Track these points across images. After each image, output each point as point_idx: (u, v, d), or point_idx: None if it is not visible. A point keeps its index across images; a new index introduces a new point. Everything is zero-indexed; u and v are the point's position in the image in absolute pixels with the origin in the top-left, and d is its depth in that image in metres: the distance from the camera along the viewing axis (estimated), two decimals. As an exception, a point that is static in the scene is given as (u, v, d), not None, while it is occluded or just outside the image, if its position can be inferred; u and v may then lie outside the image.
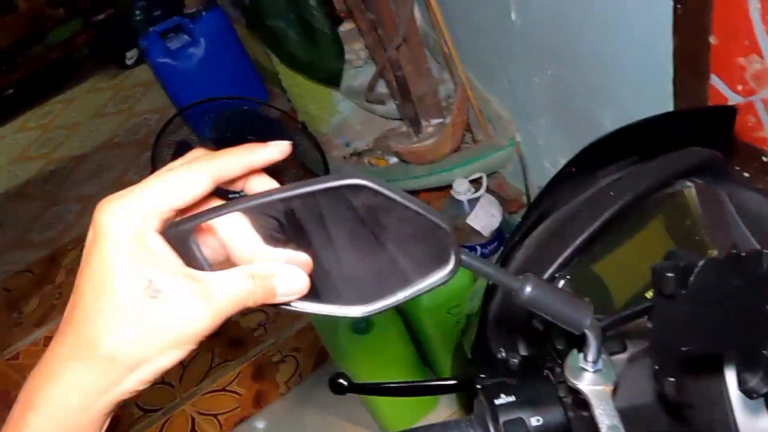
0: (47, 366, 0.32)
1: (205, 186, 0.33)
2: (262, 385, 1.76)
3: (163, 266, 0.32)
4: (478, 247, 1.66)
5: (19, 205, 2.97)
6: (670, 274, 0.33)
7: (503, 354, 0.54)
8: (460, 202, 1.60)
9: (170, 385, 1.82)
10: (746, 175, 0.92)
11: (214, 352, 1.86)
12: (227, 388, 1.77)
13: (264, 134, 1.78)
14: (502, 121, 1.57)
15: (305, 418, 1.68)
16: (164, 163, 1.66)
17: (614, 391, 0.39)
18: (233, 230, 0.35)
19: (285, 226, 0.35)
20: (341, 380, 0.52)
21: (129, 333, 0.31)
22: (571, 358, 0.40)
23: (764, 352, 0.36)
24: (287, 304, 0.35)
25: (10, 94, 3.73)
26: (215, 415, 1.73)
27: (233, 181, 0.35)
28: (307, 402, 1.69)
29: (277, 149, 0.36)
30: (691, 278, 0.34)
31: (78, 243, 2.54)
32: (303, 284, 0.35)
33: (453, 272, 0.35)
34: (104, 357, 0.31)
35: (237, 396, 1.76)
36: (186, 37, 2.37)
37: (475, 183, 1.63)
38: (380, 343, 1.39)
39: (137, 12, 2.69)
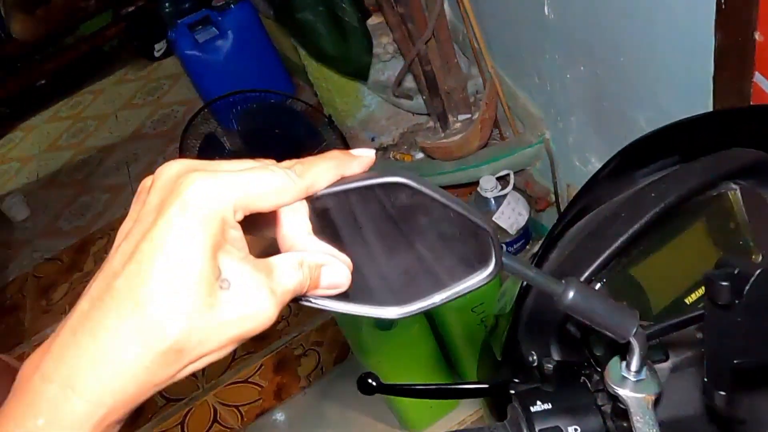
0: (94, 340, 0.28)
1: (295, 197, 0.31)
2: (284, 377, 1.77)
3: (235, 255, 0.30)
4: (504, 245, 1.64)
5: (49, 194, 3.02)
6: (724, 283, 0.31)
7: (535, 358, 0.53)
8: (486, 199, 1.58)
9: (194, 375, 1.84)
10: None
11: (237, 344, 1.87)
12: (249, 379, 1.79)
13: (290, 128, 1.79)
14: (531, 118, 1.55)
15: (326, 412, 1.68)
16: (192, 155, 1.67)
17: (656, 402, 0.37)
18: (294, 217, 0.33)
19: (324, 223, 0.34)
20: (370, 380, 0.51)
21: (197, 325, 0.28)
22: (613, 365, 0.38)
23: (822, 366, 0.34)
24: (319, 302, 0.34)
25: (43, 84, 3.80)
26: (237, 407, 1.74)
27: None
28: (328, 396, 1.69)
29: (368, 158, 0.34)
30: (747, 287, 0.32)
31: (106, 232, 2.58)
32: (346, 278, 0.33)
33: (494, 275, 0.33)
34: (171, 347, 0.28)
35: (259, 388, 1.77)
36: (214, 29, 2.38)
37: (503, 180, 1.61)
38: (403, 340, 1.38)
39: (166, 4, 2.72)
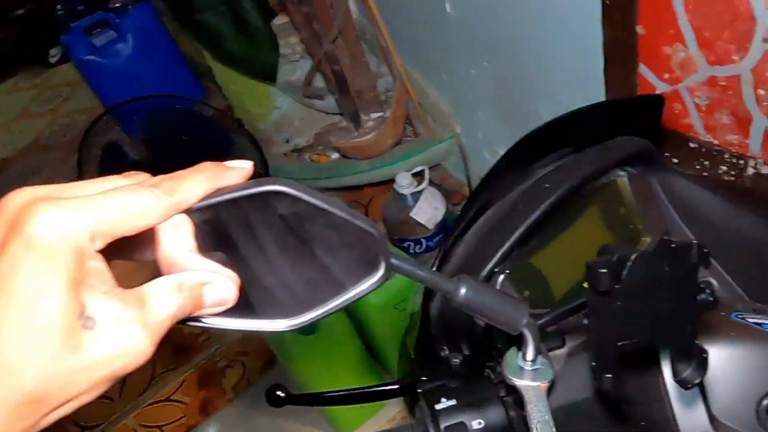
0: None
1: (164, 216, 0.29)
2: (209, 392, 1.71)
3: (99, 290, 0.27)
4: (423, 240, 1.66)
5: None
6: (602, 270, 0.32)
7: (446, 354, 0.53)
8: (403, 195, 1.60)
9: (110, 398, 1.74)
10: (675, 161, 0.95)
11: (155, 362, 1.79)
12: (171, 397, 1.71)
13: (199, 134, 1.72)
14: (442, 114, 1.57)
15: (255, 422, 1.64)
16: (92, 166, 1.56)
17: (551, 388, 0.38)
18: (174, 234, 0.31)
19: (209, 238, 0.33)
20: (279, 392, 0.50)
21: (59, 370, 0.26)
22: (510, 356, 0.39)
23: (696, 342, 0.36)
24: (207, 322, 0.32)
25: None
26: (160, 427, 1.66)
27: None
28: (256, 406, 1.65)
29: (244, 169, 0.32)
30: (624, 273, 0.33)
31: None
32: (232, 293, 0.32)
33: (383, 278, 0.33)
34: (27, 398, 0.26)
35: (182, 405, 1.69)
36: (112, 32, 2.25)
37: (418, 176, 1.62)
38: (328, 343, 1.36)
39: (59, 7, 2.54)
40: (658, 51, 0.85)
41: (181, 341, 1.82)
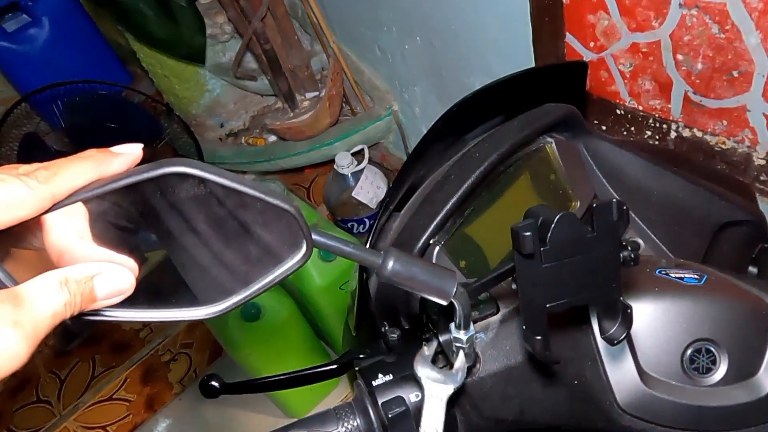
0: None
1: (39, 208, 0.27)
2: (154, 387, 1.66)
3: None
4: (367, 220, 1.65)
5: None
6: (527, 233, 0.32)
7: (386, 329, 0.53)
8: (344, 175, 1.58)
9: (47, 402, 1.66)
10: (604, 128, 0.97)
11: (95, 360, 1.72)
12: (114, 396, 1.65)
13: (126, 121, 1.64)
14: (378, 91, 1.56)
15: (205, 414, 1.61)
16: (11, 161, 1.47)
17: (453, 400, 0.39)
18: (64, 222, 0.29)
19: (114, 225, 0.30)
20: (213, 382, 0.48)
21: None
22: (422, 360, 0.40)
23: (620, 298, 0.37)
24: (109, 315, 0.30)
25: None
26: (104, 427, 1.61)
27: None
28: (204, 398, 1.62)
29: (132, 155, 0.29)
30: (549, 235, 0.33)
31: None
32: (129, 282, 0.29)
33: (307, 256, 0.32)
34: None
35: (127, 403, 1.64)
36: (25, 16, 2.11)
37: (358, 155, 1.61)
38: (273, 328, 1.34)
39: (-37, -10, 2.36)
40: (583, 20, 0.87)
41: (121, 338, 1.76)
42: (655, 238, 0.62)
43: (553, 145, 0.63)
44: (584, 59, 0.91)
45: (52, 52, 2.14)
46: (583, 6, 0.85)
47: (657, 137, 0.90)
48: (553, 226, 0.33)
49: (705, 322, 0.41)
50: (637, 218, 0.63)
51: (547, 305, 0.35)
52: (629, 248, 0.35)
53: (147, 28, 1.49)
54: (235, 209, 0.30)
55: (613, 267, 0.35)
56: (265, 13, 1.41)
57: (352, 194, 1.58)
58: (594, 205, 0.34)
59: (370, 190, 1.62)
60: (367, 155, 1.59)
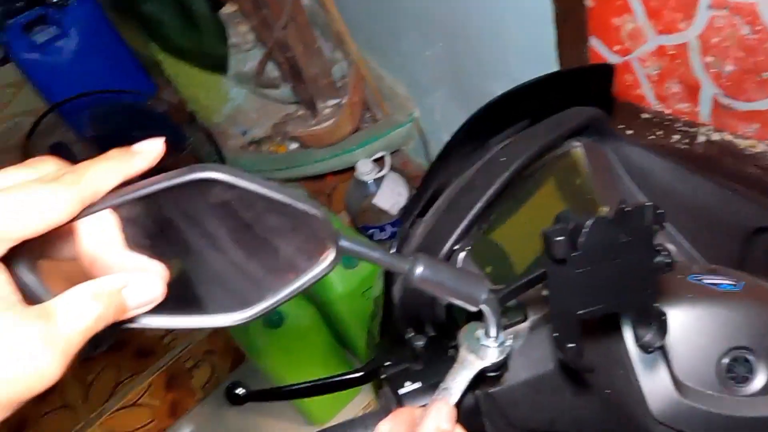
0: None
1: (69, 212, 0.26)
2: (177, 393, 1.67)
3: None
4: (388, 226, 1.65)
5: None
6: (558, 238, 0.32)
7: (410, 336, 0.52)
8: (365, 182, 1.58)
9: (71, 407, 1.69)
10: (629, 132, 0.96)
11: (120, 367, 1.74)
12: (138, 402, 1.67)
13: (151, 129, 1.66)
14: (399, 98, 1.56)
15: (228, 420, 1.62)
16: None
17: (482, 376, 0.38)
18: (96, 229, 0.28)
19: (144, 230, 0.30)
20: (238, 390, 0.48)
21: None
22: (467, 332, 0.38)
23: (655, 305, 0.36)
24: (143, 323, 0.30)
25: None
26: (128, 433, 1.63)
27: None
28: (227, 404, 1.62)
29: (153, 151, 0.29)
30: (580, 239, 0.33)
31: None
32: (159, 289, 0.29)
33: (335, 262, 0.32)
34: None
35: (151, 409, 1.66)
36: (54, 28, 2.15)
37: (379, 162, 1.61)
38: (295, 335, 1.35)
39: (-6, 4, 2.42)
40: (608, 23, 0.86)
41: (145, 344, 1.78)
42: (686, 243, 0.61)
43: (581, 149, 0.62)
44: (609, 63, 0.90)
45: (80, 63, 2.18)
46: (608, 9, 0.84)
47: (685, 141, 0.89)
48: (585, 230, 0.32)
49: (742, 329, 0.40)
50: (667, 223, 0.62)
51: (579, 312, 0.34)
52: (664, 253, 0.34)
53: (170, 38, 1.52)
54: (263, 214, 0.30)
55: (648, 273, 0.34)
56: (287, 22, 1.42)
57: (373, 201, 1.58)
58: (628, 208, 0.33)
59: (391, 196, 1.62)
60: (388, 162, 1.59)
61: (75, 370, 1.77)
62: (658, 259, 0.34)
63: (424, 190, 0.58)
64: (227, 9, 1.61)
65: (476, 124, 0.59)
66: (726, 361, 0.40)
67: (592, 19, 0.88)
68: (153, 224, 0.30)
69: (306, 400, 1.44)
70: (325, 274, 0.32)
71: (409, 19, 1.32)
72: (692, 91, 0.83)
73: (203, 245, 0.31)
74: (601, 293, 0.34)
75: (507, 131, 0.67)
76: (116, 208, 0.28)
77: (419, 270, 0.34)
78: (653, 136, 0.93)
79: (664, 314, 0.36)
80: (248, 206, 0.30)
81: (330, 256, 0.31)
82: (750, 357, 0.40)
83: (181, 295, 0.31)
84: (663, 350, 0.40)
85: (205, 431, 1.63)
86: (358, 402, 1.54)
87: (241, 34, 1.68)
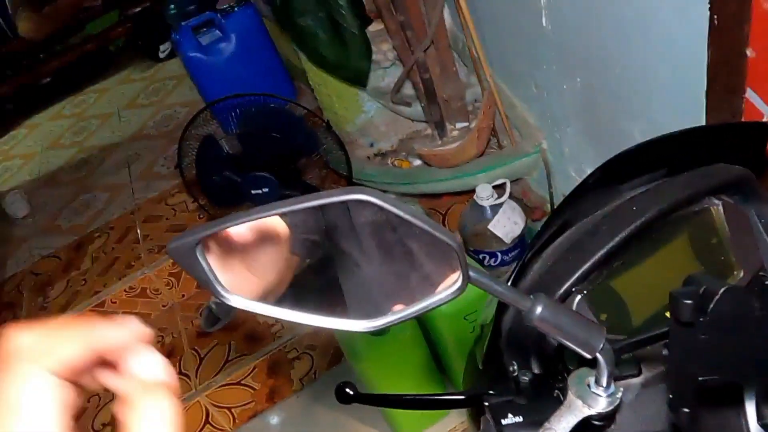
0: None
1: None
2: (277, 380, 1.77)
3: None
4: (499, 254, 1.64)
5: (50, 192, 3.04)
6: (687, 301, 0.32)
7: (515, 369, 0.53)
8: (482, 207, 1.59)
9: (187, 376, 1.84)
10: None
11: (230, 346, 1.88)
12: (242, 381, 1.79)
13: (288, 132, 1.79)
14: (528, 128, 1.55)
15: (318, 416, 1.68)
16: (190, 156, 1.65)
17: (608, 418, 0.38)
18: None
19: (300, 238, 0.35)
20: (348, 389, 0.51)
21: None
22: (577, 377, 0.38)
23: (786, 386, 0.34)
24: (272, 312, 0.34)
25: (47, 82, 3.82)
26: (229, 408, 1.74)
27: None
28: (320, 400, 1.69)
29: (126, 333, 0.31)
30: (711, 305, 0.32)
31: (104, 231, 2.59)
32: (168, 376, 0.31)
33: (461, 290, 0.34)
34: None
35: (251, 390, 1.77)
36: (218, 32, 2.39)
37: (499, 189, 1.61)
38: (395, 346, 1.38)
39: (171, 6, 2.73)
40: (769, 76, 0.81)
41: (255, 329, 1.90)
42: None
43: (720, 207, 0.59)
44: (765, 118, 0.84)
45: (235, 64, 2.40)
46: (771, 62, 0.79)
47: None
48: (717, 297, 0.32)
49: None
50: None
51: (699, 378, 0.34)
52: (802, 334, 0.33)
53: (319, 50, 1.63)
54: (403, 237, 0.33)
55: (782, 350, 0.33)
56: (429, 44, 1.47)
57: (488, 226, 1.58)
58: (767, 282, 0.32)
59: (507, 224, 1.61)
60: (508, 190, 1.59)
61: (193, 341, 1.93)
62: (796, 338, 0.33)
63: (549, 225, 0.58)
64: (374, 27, 1.69)
65: (612, 168, 0.58)
66: None
67: (751, 70, 0.84)
68: (311, 233, 0.34)
69: (399, 412, 1.47)
70: (451, 300, 0.34)
71: (550, 52, 1.31)
72: None
73: (347, 255, 0.35)
74: (726, 362, 0.34)
75: (641, 178, 0.65)
76: (285, 216, 0.32)
77: (539, 310, 0.35)
78: (807, 202, 0.86)
79: (794, 397, 0.34)
80: (392, 228, 0.33)
81: (458, 283, 0.34)
82: None
83: (318, 296, 0.35)
84: (788, 434, 0.37)
85: (295, 422, 1.70)
86: (445, 423, 1.54)
87: (382, 52, 1.77)
